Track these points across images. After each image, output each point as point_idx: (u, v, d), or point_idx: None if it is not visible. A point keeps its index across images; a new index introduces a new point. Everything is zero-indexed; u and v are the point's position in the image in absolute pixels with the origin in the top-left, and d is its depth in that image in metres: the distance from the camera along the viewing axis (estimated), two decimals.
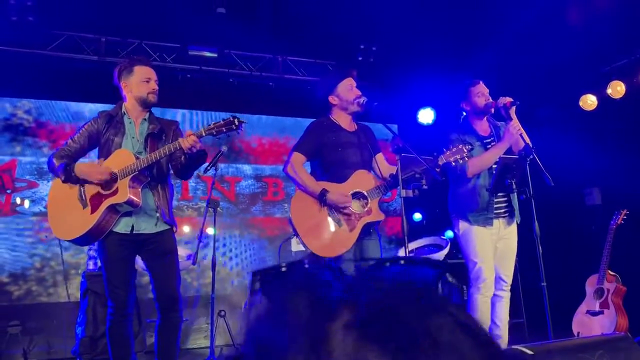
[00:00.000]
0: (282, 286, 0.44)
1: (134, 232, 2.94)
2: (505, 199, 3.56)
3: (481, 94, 3.59)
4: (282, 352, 0.38)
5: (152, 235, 2.98)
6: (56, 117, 5.67)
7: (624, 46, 5.35)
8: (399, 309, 0.39)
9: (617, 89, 5.46)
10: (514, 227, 3.62)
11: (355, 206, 3.16)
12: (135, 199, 2.88)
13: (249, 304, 0.44)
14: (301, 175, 3.22)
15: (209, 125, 2.89)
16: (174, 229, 3.08)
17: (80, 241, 2.98)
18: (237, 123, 2.83)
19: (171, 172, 3.15)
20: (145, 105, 3.08)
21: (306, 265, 0.45)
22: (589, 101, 5.73)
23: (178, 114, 6.03)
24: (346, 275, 0.43)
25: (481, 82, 3.64)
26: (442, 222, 5.78)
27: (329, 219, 3.14)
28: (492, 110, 3.58)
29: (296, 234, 3.20)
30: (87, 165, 2.98)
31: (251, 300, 0.44)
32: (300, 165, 3.26)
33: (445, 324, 0.39)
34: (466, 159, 3.16)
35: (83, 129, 3.07)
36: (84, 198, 2.93)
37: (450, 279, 0.46)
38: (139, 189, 2.92)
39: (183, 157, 2.95)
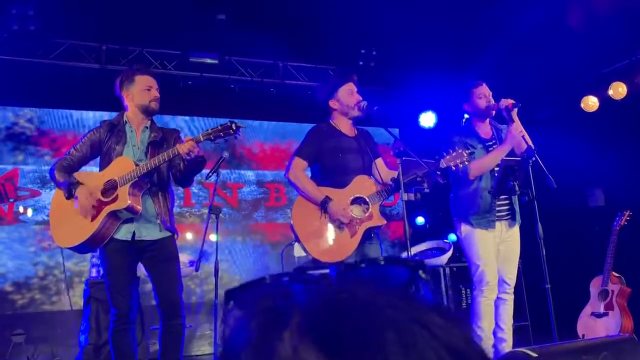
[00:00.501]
0: (247, 300, 0.44)
1: (135, 238, 2.95)
2: (507, 201, 3.55)
3: (483, 95, 3.59)
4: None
5: (153, 242, 2.98)
6: (58, 126, 5.69)
7: (625, 47, 5.34)
8: (355, 313, 0.39)
9: (618, 90, 5.45)
10: (516, 230, 3.61)
11: (356, 211, 3.15)
12: (135, 205, 2.88)
13: (222, 323, 0.44)
14: (303, 181, 3.22)
15: (207, 130, 2.90)
16: (175, 236, 3.08)
17: (81, 248, 2.99)
18: (234, 128, 2.84)
19: (172, 179, 3.16)
20: (148, 113, 3.10)
21: (267, 280, 0.46)
22: (591, 102, 5.72)
23: (179, 121, 6.04)
24: (307, 281, 0.44)
25: (484, 84, 3.63)
26: (444, 225, 5.78)
27: (330, 225, 3.13)
28: (493, 112, 3.57)
29: (297, 240, 3.19)
30: (84, 192, 2.95)
31: (225, 320, 0.45)
32: (301, 171, 3.26)
33: (402, 336, 0.38)
34: (466, 163, 3.16)
35: (85, 138, 3.09)
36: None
37: (423, 275, 0.45)
38: (139, 196, 2.93)
39: (182, 163, 2.96)
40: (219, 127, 2.86)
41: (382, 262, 0.47)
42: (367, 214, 3.15)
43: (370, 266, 0.46)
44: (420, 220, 6.84)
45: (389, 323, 0.38)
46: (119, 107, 3.20)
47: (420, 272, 0.45)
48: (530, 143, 3.33)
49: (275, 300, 0.42)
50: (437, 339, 0.38)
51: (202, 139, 2.86)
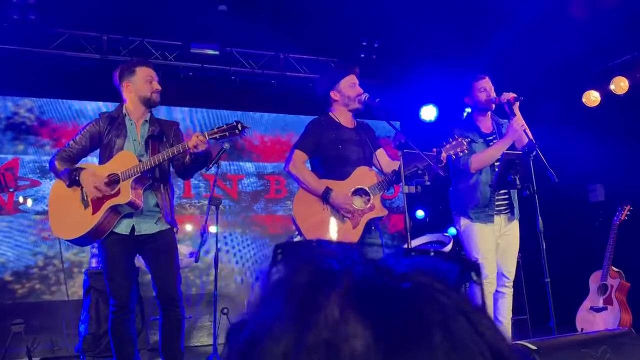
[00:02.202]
0: (295, 258, 0.44)
1: (135, 233, 2.95)
2: (507, 195, 3.56)
3: (483, 89, 3.58)
4: (272, 316, 0.38)
5: (152, 234, 2.99)
6: (58, 116, 5.67)
7: (628, 42, 5.32)
8: (394, 288, 0.39)
9: (620, 84, 5.44)
10: (515, 224, 3.61)
11: (357, 203, 3.15)
12: (137, 200, 2.89)
13: (267, 274, 0.44)
14: (303, 174, 3.22)
15: (212, 129, 2.90)
16: (175, 229, 3.09)
17: (80, 241, 3.00)
18: (240, 128, 2.85)
19: (172, 170, 3.16)
20: (149, 105, 3.09)
21: (314, 244, 0.45)
22: (592, 97, 5.71)
23: (180, 112, 6.03)
24: (356, 254, 0.43)
25: (486, 78, 3.62)
26: (444, 219, 5.77)
27: (332, 217, 3.13)
28: (494, 106, 3.57)
29: (299, 232, 3.19)
30: (90, 174, 2.95)
31: (270, 271, 0.44)
32: (302, 163, 3.26)
33: (442, 308, 0.38)
34: (466, 151, 3.16)
35: (84, 130, 3.09)
36: (85, 198, 2.94)
37: (475, 278, 0.45)
38: (141, 191, 2.94)
39: (188, 157, 2.96)
40: (225, 127, 2.87)
41: (433, 254, 0.46)
42: (368, 205, 3.15)
43: (422, 257, 0.46)
44: (420, 213, 6.85)
45: (439, 310, 0.38)
46: (119, 98, 3.19)
47: (473, 273, 0.45)
48: (532, 137, 3.32)
49: (327, 263, 0.41)
50: (483, 338, 0.38)
51: (207, 137, 2.87)
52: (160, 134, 3.09)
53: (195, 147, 2.84)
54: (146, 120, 3.12)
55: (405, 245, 3.05)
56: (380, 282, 0.39)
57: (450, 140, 3.14)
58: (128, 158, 2.94)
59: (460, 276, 0.44)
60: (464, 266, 0.45)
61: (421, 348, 0.36)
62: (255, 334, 0.39)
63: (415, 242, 5.24)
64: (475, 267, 0.45)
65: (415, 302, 0.38)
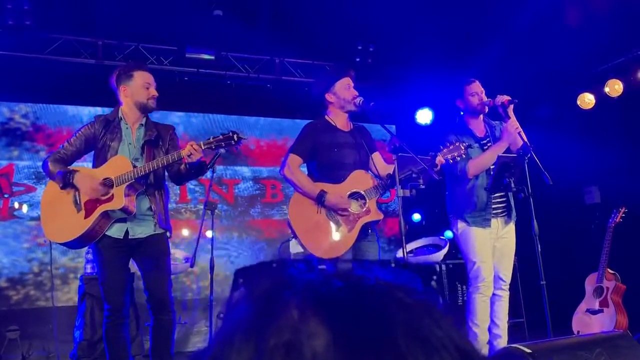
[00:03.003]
0: (257, 277, 0.44)
1: (128, 237, 2.94)
2: (504, 198, 3.56)
3: (475, 93, 3.59)
4: (235, 326, 0.39)
5: (146, 238, 2.99)
6: (54, 121, 5.66)
7: (621, 44, 5.35)
8: (354, 289, 0.39)
9: (614, 87, 5.46)
10: (512, 227, 3.61)
11: (353, 206, 3.15)
12: (129, 206, 2.88)
13: (228, 299, 0.44)
14: (298, 177, 3.22)
15: (208, 139, 2.90)
16: (168, 233, 3.08)
17: (72, 244, 3.00)
18: (236, 139, 2.85)
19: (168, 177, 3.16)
20: (145, 111, 3.08)
21: (274, 265, 0.46)
22: (587, 100, 5.72)
23: (175, 117, 6.03)
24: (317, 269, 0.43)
25: (476, 82, 3.63)
26: (441, 222, 5.78)
27: (328, 220, 3.13)
28: (487, 109, 3.57)
29: (295, 236, 3.19)
30: (85, 176, 2.95)
31: (232, 295, 0.44)
32: (297, 167, 3.26)
33: (403, 304, 0.38)
34: (463, 155, 3.17)
35: (79, 132, 3.08)
36: (78, 202, 2.93)
37: (435, 285, 0.45)
38: (134, 197, 2.93)
39: (183, 166, 2.96)
40: (221, 137, 2.87)
41: (394, 265, 0.47)
42: (364, 209, 3.14)
43: (382, 268, 0.46)
44: (416, 217, 6.85)
45: (402, 309, 0.38)
46: (115, 102, 3.18)
47: (433, 282, 0.45)
48: (526, 140, 3.33)
49: (286, 273, 0.42)
50: (450, 337, 0.38)
51: (203, 147, 2.87)
52: (157, 139, 3.09)
53: (189, 156, 2.84)
54: (142, 124, 3.12)
55: (401, 249, 3.04)
56: (339, 284, 0.40)
57: (448, 144, 3.14)
58: (122, 163, 2.93)
59: (422, 282, 0.45)
60: (425, 273, 0.45)
61: (384, 346, 0.36)
62: (216, 352, 0.39)
63: (411, 246, 5.24)
64: (435, 273, 0.46)
65: (376, 299, 0.38)
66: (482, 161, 3.48)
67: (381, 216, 3.24)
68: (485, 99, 3.56)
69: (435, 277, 0.46)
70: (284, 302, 0.38)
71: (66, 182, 2.93)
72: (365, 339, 0.36)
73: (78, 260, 5.33)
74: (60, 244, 3.05)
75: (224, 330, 0.40)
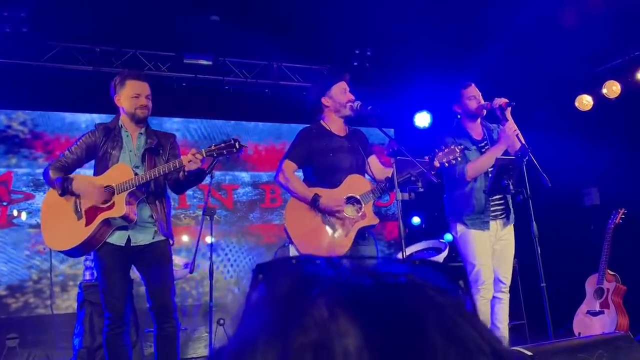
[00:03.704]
0: (278, 274, 0.42)
1: (130, 244, 2.94)
2: (502, 200, 3.56)
3: (473, 96, 3.59)
4: (258, 327, 0.37)
5: (147, 245, 2.98)
6: (52, 128, 5.66)
7: (619, 46, 5.36)
8: (385, 287, 0.38)
9: (612, 88, 5.47)
10: (510, 228, 3.61)
11: (349, 211, 3.14)
12: (130, 214, 2.88)
13: (247, 297, 0.43)
14: (293, 183, 3.22)
15: (210, 146, 2.90)
16: (170, 241, 3.07)
17: (73, 252, 2.98)
18: (237, 146, 2.85)
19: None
20: (135, 120, 3.07)
21: (293, 261, 0.44)
22: (585, 101, 5.73)
23: (174, 123, 6.03)
24: (342, 265, 0.42)
25: (473, 85, 3.63)
26: (440, 225, 5.77)
27: (324, 225, 3.12)
28: (485, 112, 3.58)
29: (291, 242, 3.19)
30: (85, 182, 2.95)
31: (251, 294, 0.43)
32: (291, 173, 3.25)
33: (435, 304, 0.37)
34: (459, 159, 3.16)
35: (80, 140, 3.08)
36: (79, 210, 2.92)
37: (462, 285, 0.44)
38: (135, 205, 2.93)
39: (182, 173, 2.95)
40: (222, 145, 2.87)
41: (417, 263, 0.46)
42: (360, 214, 3.14)
43: (410, 263, 0.45)
44: (416, 220, 6.84)
45: (435, 309, 0.37)
46: (113, 109, 3.18)
47: (461, 282, 0.44)
48: (524, 142, 3.33)
49: (310, 270, 0.40)
50: (483, 338, 0.37)
51: (204, 155, 2.87)
52: (157, 147, 3.09)
53: (189, 162, 2.84)
54: (142, 132, 3.12)
55: (400, 252, 3.04)
56: (370, 281, 0.38)
57: (443, 147, 3.14)
58: (124, 171, 2.93)
59: (450, 283, 0.44)
60: (452, 274, 0.44)
61: (418, 346, 0.34)
62: (237, 352, 0.37)
63: (410, 249, 5.23)
64: (462, 275, 0.45)
65: (409, 298, 0.37)
66: (481, 164, 3.48)
67: (377, 221, 3.23)
68: (482, 101, 3.56)
69: (461, 278, 0.45)
70: (310, 300, 0.37)
71: (64, 188, 2.92)
72: (399, 339, 0.35)
73: (77, 267, 5.31)
74: (60, 252, 3.04)
75: (246, 330, 0.39)
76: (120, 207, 2.85)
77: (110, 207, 2.88)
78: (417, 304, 0.36)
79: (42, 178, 3.22)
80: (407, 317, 0.35)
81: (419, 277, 0.40)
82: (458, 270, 0.45)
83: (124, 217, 2.87)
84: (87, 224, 2.88)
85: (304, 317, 0.36)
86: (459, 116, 3.73)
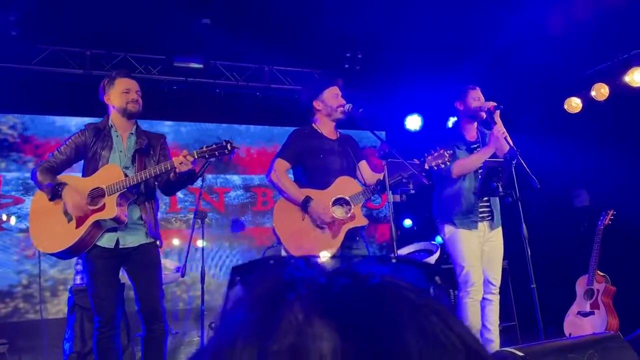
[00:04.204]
0: (256, 275, 0.43)
1: (119, 246, 2.92)
2: (487, 202, 3.59)
3: (478, 98, 3.63)
4: (235, 329, 0.37)
5: (136, 247, 2.97)
6: (42, 132, 5.63)
7: (607, 49, 5.41)
8: (357, 285, 0.38)
9: (601, 91, 5.52)
10: (498, 230, 3.64)
11: (338, 212, 3.16)
12: (121, 216, 2.87)
13: (225, 298, 0.43)
14: (284, 182, 3.23)
15: (201, 148, 2.90)
16: (158, 243, 3.06)
17: (62, 255, 2.96)
18: (229, 148, 2.85)
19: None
20: (127, 115, 3.06)
21: (271, 262, 0.45)
22: (574, 104, 5.78)
23: (165, 126, 6.01)
24: (317, 264, 0.43)
25: (479, 89, 3.69)
26: (432, 227, 5.78)
27: (312, 226, 3.14)
28: (484, 115, 3.60)
29: (279, 242, 3.19)
30: (73, 190, 2.90)
31: (228, 294, 0.43)
32: (283, 172, 3.27)
33: (410, 302, 0.37)
34: (448, 163, 3.19)
35: (70, 140, 3.06)
36: (69, 212, 2.90)
37: (439, 282, 0.45)
38: (126, 206, 2.92)
39: (172, 175, 2.94)
40: (214, 146, 2.87)
41: (395, 261, 0.46)
42: (349, 215, 3.15)
43: (384, 263, 0.45)
44: (407, 222, 6.85)
45: (408, 307, 0.37)
46: (103, 113, 3.18)
47: (437, 278, 0.44)
48: (512, 144, 3.36)
49: (287, 272, 0.40)
50: (456, 335, 0.37)
51: (196, 156, 2.86)
52: (148, 147, 3.08)
53: (180, 164, 2.83)
54: (132, 133, 3.11)
55: (392, 254, 3.04)
56: (344, 283, 0.39)
57: (433, 152, 3.16)
58: (114, 172, 2.91)
59: (426, 280, 0.44)
60: (428, 270, 0.45)
61: (393, 345, 0.35)
62: (216, 353, 0.38)
63: (402, 251, 5.24)
64: (439, 272, 0.45)
65: (383, 299, 0.37)
66: (467, 163, 3.51)
67: (366, 222, 3.25)
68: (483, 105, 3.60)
69: (437, 274, 0.45)
70: (286, 303, 0.37)
71: (54, 194, 2.90)
72: (374, 341, 0.35)
73: (67, 271, 5.28)
74: (50, 254, 3.02)
75: (224, 332, 0.39)
76: (112, 209, 2.84)
77: (101, 209, 2.86)
78: (391, 305, 0.37)
79: (32, 182, 3.19)
80: (382, 319, 0.36)
81: (394, 277, 0.40)
82: (434, 267, 0.46)
83: (115, 219, 2.85)
84: (77, 226, 2.86)
85: (280, 320, 0.36)
86: (453, 118, 3.76)
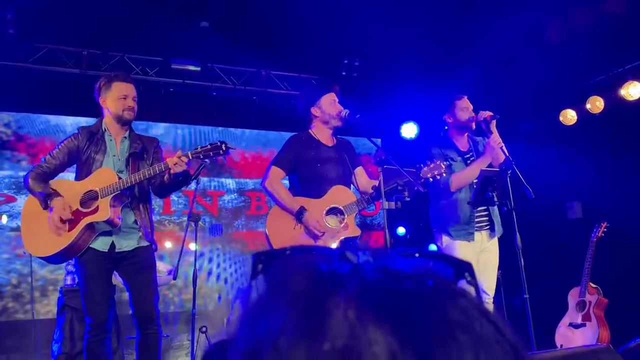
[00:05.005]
0: (284, 266, 0.41)
1: (115, 250, 2.90)
2: (486, 212, 3.58)
3: (465, 108, 3.63)
4: (274, 328, 0.36)
5: (131, 251, 2.95)
6: (36, 131, 5.59)
7: (603, 62, 5.45)
8: (412, 290, 0.37)
9: (596, 104, 5.56)
10: (495, 240, 3.63)
11: (331, 222, 3.15)
12: (115, 218, 2.84)
13: (248, 287, 0.42)
14: (279, 191, 3.21)
15: (196, 148, 2.88)
16: (153, 246, 3.05)
17: (55, 258, 2.93)
18: (224, 148, 2.82)
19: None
20: (121, 122, 3.04)
21: (287, 252, 0.44)
22: (569, 116, 5.82)
23: (160, 128, 5.99)
24: (350, 259, 0.41)
25: (466, 97, 3.68)
26: (425, 235, 5.79)
27: (305, 235, 3.12)
28: (474, 125, 3.61)
29: (271, 249, 3.17)
30: (60, 203, 2.86)
31: (251, 284, 0.42)
32: (278, 180, 3.25)
33: (464, 308, 0.36)
34: (444, 174, 3.18)
35: (62, 144, 3.02)
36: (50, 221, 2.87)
37: (469, 278, 0.44)
38: (119, 209, 2.89)
39: (167, 176, 2.92)
40: (209, 147, 2.85)
41: (418, 255, 0.45)
42: (342, 225, 3.14)
43: (419, 258, 0.44)
44: (401, 230, 6.85)
45: (461, 311, 0.36)
46: (99, 113, 3.15)
47: (467, 274, 0.44)
48: (508, 154, 3.36)
49: (326, 266, 0.39)
50: (505, 338, 0.37)
51: (190, 157, 2.84)
52: (142, 151, 3.06)
53: (174, 165, 2.81)
54: (125, 137, 3.09)
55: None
56: (394, 282, 0.38)
57: (429, 162, 3.16)
58: (107, 175, 2.89)
59: (455, 277, 0.44)
60: (458, 266, 0.44)
61: (450, 351, 0.34)
62: (253, 350, 0.36)
63: None
64: (468, 267, 0.45)
65: (438, 303, 0.36)
66: (465, 175, 3.51)
67: (359, 232, 3.23)
68: (473, 114, 3.60)
69: (467, 270, 0.44)
70: (334, 302, 0.35)
71: (46, 205, 2.88)
72: (429, 345, 0.34)
73: (58, 272, 5.23)
74: (42, 258, 2.97)
75: (261, 328, 0.37)
76: (105, 211, 2.82)
77: (94, 211, 2.84)
78: (444, 308, 0.36)
79: (22, 182, 3.16)
80: (438, 323, 0.35)
81: (441, 277, 0.40)
82: (463, 262, 0.45)
83: (108, 222, 2.83)
84: (70, 229, 2.83)
85: (329, 319, 0.35)
86: (446, 127, 3.76)
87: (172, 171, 2.83)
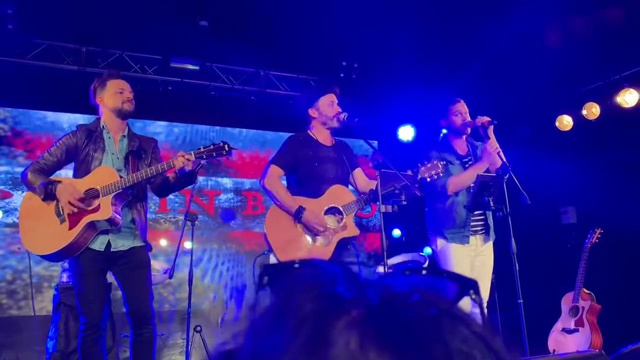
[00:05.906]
0: (291, 284, 0.41)
1: (111, 249, 2.90)
2: (482, 216, 3.60)
3: (459, 112, 3.64)
4: (279, 349, 0.36)
5: (126, 251, 2.95)
6: (33, 127, 5.58)
7: (599, 69, 5.49)
8: (414, 319, 0.37)
9: (592, 110, 5.59)
10: (490, 245, 3.65)
11: (330, 221, 3.16)
12: (117, 217, 2.84)
13: (255, 299, 0.43)
14: (277, 190, 3.22)
15: (199, 148, 2.87)
16: (148, 246, 3.05)
17: (54, 257, 2.91)
18: (227, 149, 2.83)
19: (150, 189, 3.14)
20: (122, 115, 3.04)
21: (295, 265, 0.44)
22: (565, 122, 5.85)
23: (158, 126, 5.99)
24: (357, 276, 0.42)
25: (461, 101, 3.68)
26: (420, 238, 5.81)
27: (304, 235, 3.13)
28: (469, 130, 3.62)
29: (270, 249, 3.18)
30: (67, 186, 2.86)
31: (258, 296, 0.43)
32: (277, 179, 3.26)
33: (465, 337, 0.37)
34: (441, 174, 3.19)
35: (60, 142, 3.01)
36: (62, 213, 2.86)
37: (474, 296, 0.44)
38: (120, 207, 2.89)
39: (172, 175, 2.93)
40: (212, 147, 2.85)
41: (424, 272, 0.45)
42: (341, 224, 3.15)
43: (423, 276, 0.45)
44: (396, 232, 6.87)
45: (462, 339, 0.36)
46: (96, 111, 3.15)
47: (472, 292, 0.44)
48: (505, 160, 3.38)
49: (332, 288, 0.39)
50: None
51: (193, 157, 2.84)
52: (140, 150, 3.06)
53: (183, 164, 2.82)
54: (124, 135, 3.09)
55: (381, 264, 3.05)
56: (397, 309, 0.38)
57: (426, 162, 3.17)
58: (108, 173, 2.88)
59: (459, 295, 0.44)
60: (463, 284, 0.45)
61: None
62: None
63: (391, 261, 5.25)
64: (473, 285, 0.45)
65: (439, 332, 0.36)
66: (462, 179, 3.53)
67: (357, 232, 3.24)
68: (468, 119, 3.61)
69: (471, 287, 0.44)
70: (338, 328, 0.36)
71: (47, 193, 2.85)
72: None
73: (53, 269, 5.22)
74: (41, 256, 2.96)
75: (266, 345, 0.37)
76: (107, 209, 2.81)
77: (95, 210, 2.83)
78: (445, 337, 0.36)
79: (19, 178, 3.15)
80: (441, 352, 0.35)
81: (442, 300, 0.40)
82: (468, 280, 0.45)
83: (111, 220, 2.83)
84: (70, 228, 2.82)
85: (332, 350, 0.35)
86: (444, 130, 3.78)
87: (186, 169, 2.82)
